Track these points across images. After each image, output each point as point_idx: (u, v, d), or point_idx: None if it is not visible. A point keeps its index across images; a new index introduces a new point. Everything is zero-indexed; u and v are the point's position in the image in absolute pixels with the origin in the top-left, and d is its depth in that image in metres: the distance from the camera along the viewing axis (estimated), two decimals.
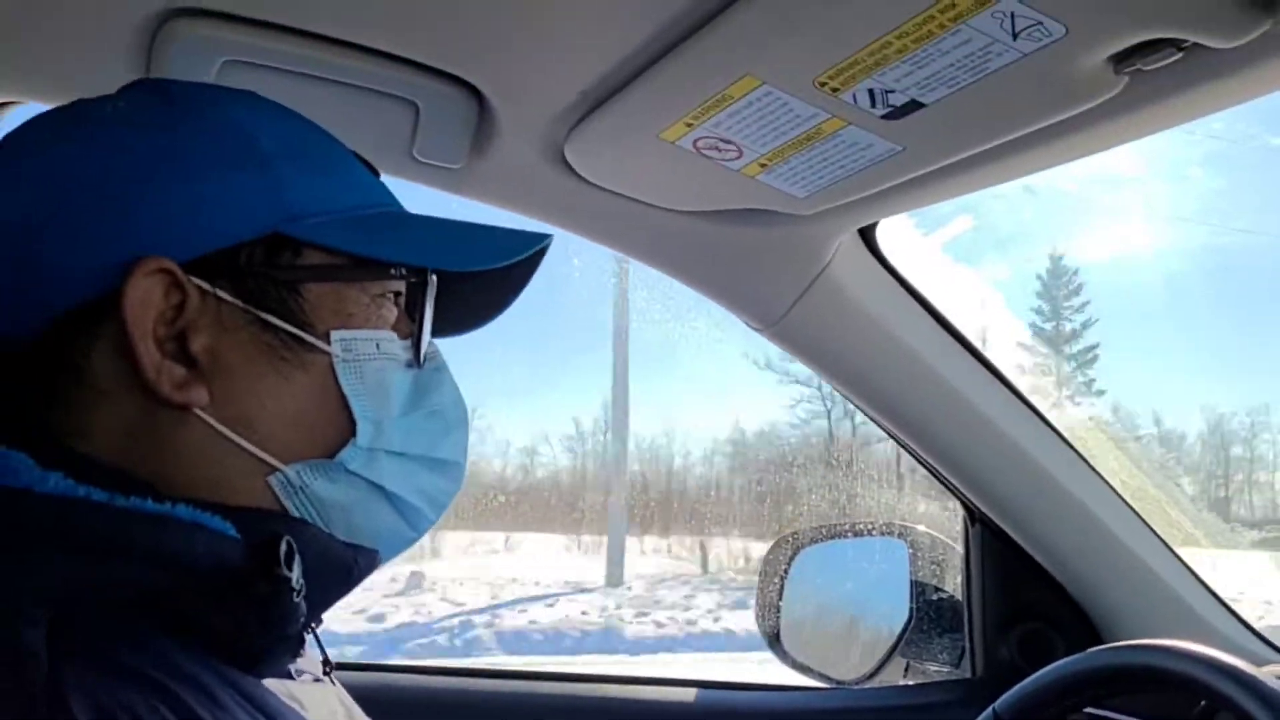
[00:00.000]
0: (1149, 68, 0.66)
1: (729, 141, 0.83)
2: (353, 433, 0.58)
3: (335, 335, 0.58)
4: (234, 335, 0.56)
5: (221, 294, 0.55)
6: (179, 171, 0.55)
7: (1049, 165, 0.83)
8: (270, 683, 0.54)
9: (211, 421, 0.55)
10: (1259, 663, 0.83)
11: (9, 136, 0.58)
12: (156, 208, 0.54)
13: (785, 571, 1.47)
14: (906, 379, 1.19)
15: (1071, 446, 1.24)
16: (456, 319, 0.69)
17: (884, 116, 0.75)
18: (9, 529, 0.46)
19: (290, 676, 0.58)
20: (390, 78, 0.88)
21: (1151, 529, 1.25)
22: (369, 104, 0.89)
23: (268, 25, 0.83)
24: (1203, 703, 1.06)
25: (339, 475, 0.58)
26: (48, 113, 0.59)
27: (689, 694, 1.32)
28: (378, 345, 0.59)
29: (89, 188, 0.54)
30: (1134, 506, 1.25)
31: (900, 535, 1.47)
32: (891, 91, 0.72)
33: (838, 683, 1.46)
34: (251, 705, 0.49)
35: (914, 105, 0.73)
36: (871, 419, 1.28)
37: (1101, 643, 1.09)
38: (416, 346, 0.62)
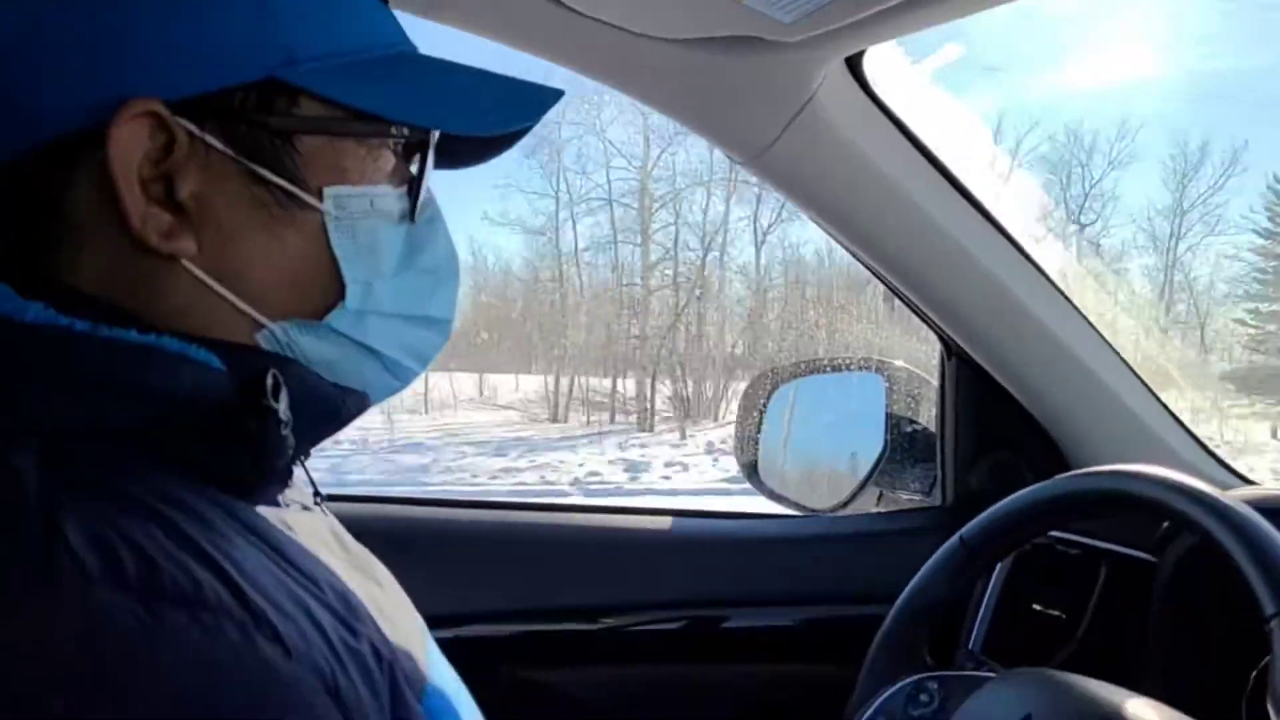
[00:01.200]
0: None
1: None
2: (342, 295, 0.57)
3: (329, 192, 0.56)
4: (223, 184, 0.53)
5: (210, 140, 0.53)
6: (168, 2, 0.52)
7: None
8: (262, 510, 0.54)
9: (198, 273, 0.53)
10: (1223, 489, 0.85)
11: None
12: (144, 40, 0.51)
13: (764, 405, 1.50)
14: (889, 213, 1.18)
15: (1049, 280, 1.25)
16: (450, 156, 0.67)
17: None
18: None
19: (278, 505, 0.58)
20: None
21: (1123, 359, 1.28)
22: None
23: None
24: (1165, 524, 1.10)
25: (326, 334, 0.57)
26: None
27: (665, 522, 1.36)
28: (372, 202, 0.57)
29: (71, 12, 0.50)
30: (1107, 338, 1.27)
31: (878, 369, 1.49)
32: None
33: (813, 511, 1.51)
34: (246, 530, 0.50)
35: None
36: (851, 253, 1.27)
37: (1070, 471, 1.12)
38: (413, 199, 0.60)
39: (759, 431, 1.50)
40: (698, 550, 1.35)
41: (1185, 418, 1.33)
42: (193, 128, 0.52)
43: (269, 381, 0.51)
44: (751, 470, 1.53)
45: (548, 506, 1.35)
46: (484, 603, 1.25)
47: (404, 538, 1.20)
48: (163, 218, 0.52)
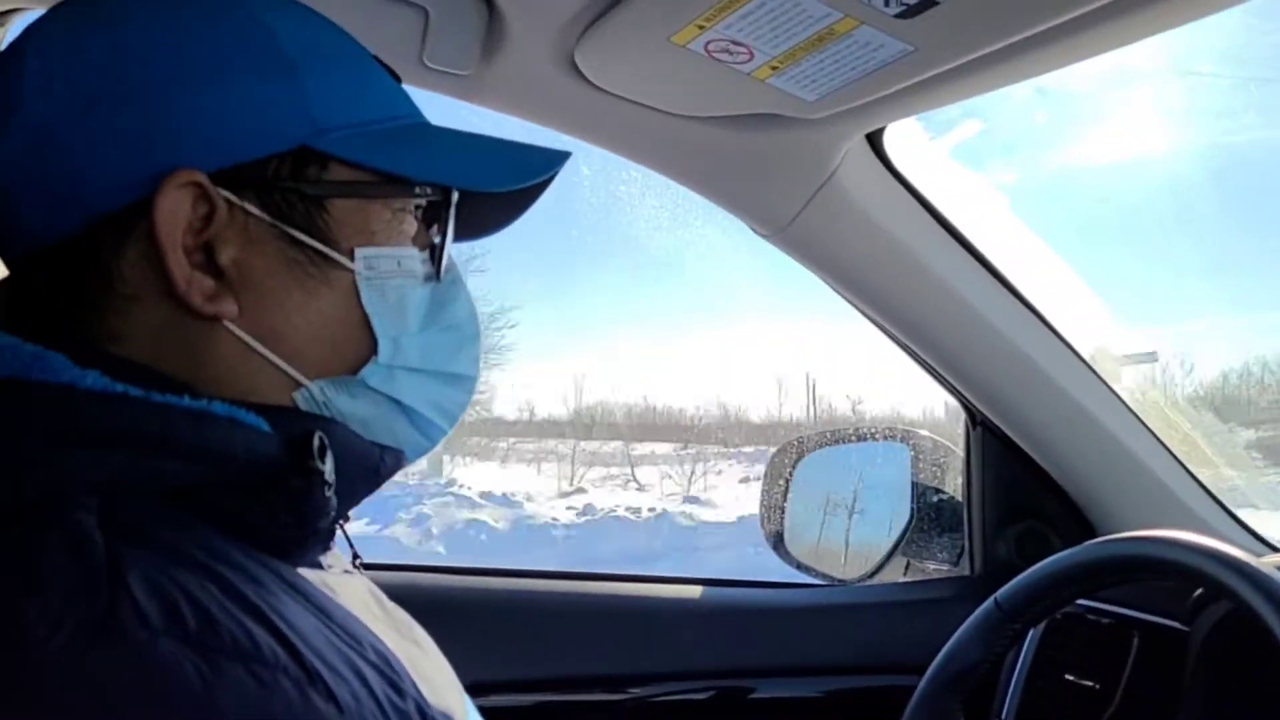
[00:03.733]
0: None
1: (740, 44, 0.83)
2: (374, 350, 0.59)
3: (360, 253, 0.58)
4: (260, 249, 0.56)
5: (249, 207, 0.56)
6: (207, 77, 0.55)
7: (1064, 64, 0.83)
8: (304, 571, 0.55)
9: (240, 334, 0.56)
10: (1253, 556, 0.86)
11: (30, 30, 0.57)
12: (186, 116, 0.54)
13: (790, 474, 1.51)
14: (912, 284, 1.20)
15: (1073, 350, 1.26)
16: (471, 226, 0.70)
17: (897, 15, 0.75)
18: (54, 424, 0.47)
19: (320, 567, 0.59)
20: None
21: (1147, 426, 1.28)
22: (379, 9, 0.89)
23: None
24: (1197, 592, 1.10)
25: (360, 391, 0.59)
26: (69, 4, 0.58)
27: (694, 591, 1.36)
28: (399, 262, 0.60)
29: (120, 90, 0.53)
30: (1131, 406, 1.28)
31: (903, 439, 1.50)
32: None
33: (840, 581, 1.50)
34: (292, 590, 0.51)
35: (927, 3, 0.73)
36: (875, 324, 1.29)
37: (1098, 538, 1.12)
38: (436, 261, 0.62)
39: (785, 501, 1.51)
40: (725, 620, 1.35)
41: (1212, 485, 1.33)
42: (231, 196, 0.55)
43: (315, 443, 0.53)
44: (778, 540, 1.53)
45: (578, 575, 1.35)
46: (513, 671, 1.25)
47: (436, 605, 1.20)
48: (206, 282, 0.54)
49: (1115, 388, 1.27)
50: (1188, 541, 0.88)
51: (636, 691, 1.29)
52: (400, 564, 1.31)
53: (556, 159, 0.65)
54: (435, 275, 0.62)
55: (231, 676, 0.41)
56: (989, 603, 1.00)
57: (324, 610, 0.52)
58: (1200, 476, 1.31)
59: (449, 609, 1.23)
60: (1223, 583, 0.83)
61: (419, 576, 1.29)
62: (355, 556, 0.70)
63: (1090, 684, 1.17)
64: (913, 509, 1.47)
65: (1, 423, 0.47)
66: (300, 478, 0.52)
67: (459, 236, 0.66)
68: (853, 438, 1.54)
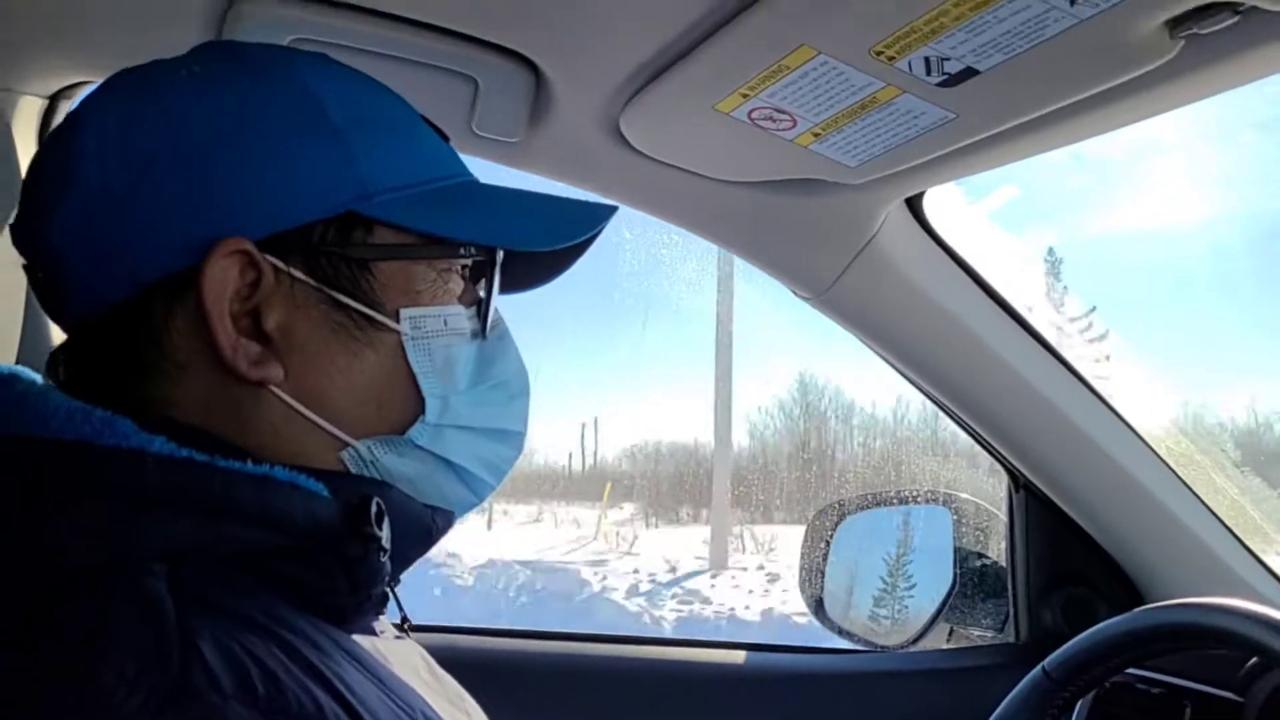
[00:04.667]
0: (1205, 31, 0.67)
1: (783, 111, 0.85)
2: (421, 410, 0.59)
3: (404, 314, 0.59)
4: (306, 313, 0.57)
5: (295, 272, 0.56)
6: (255, 146, 0.56)
7: (1102, 131, 0.84)
8: (358, 638, 0.55)
9: (286, 398, 0.56)
10: None
11: (88, 101, 0.58)
12: (235, 184, 0.55)
13: (830, 538, 1.50)
14: (953, 347, 1.20)
15: (1116, 412, 1.25)
16: (517, 279, 0.70)
17: (939, 84, 0.77)
18: (125, 489, 0.48)
19: (374, 633, 0.60)
20: (449, 53, 0.90)
21: (1195, 493, 1.26)
22: (429, 79, 0.92)
23: (332, 4, 0.86)
24: (1251, 662, 1.07)
25: (407, 450, 0.59)
26: (124, 75, 0.59)
27: (739, 656, 1.35)
28: (445, 321, 0.60)
29: (171, 160, 0.55)
30: (1177, 471, 1.26)
31: (944, 502, 1.49)
32: (947, 59, 0.74)
33: (881, 648, 1.48)
34: (348, 656, 0.51)
35: (969, 72, 0.75)
36: (917, 387, 1.29)
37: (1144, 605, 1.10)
38: (483, 318, 0.63)
39: (825, 565, 1.50)
40: (767, 686, 1.33)
41: (1260, 552, 1.30)
42: (278, 262, 0.56)
43: (374, 509, 0.53)
44: (818, 606, 1.51)
45: (620, 639, 1.34)
46: None
47: (479, 668, 1.19)
48: (252, 348, 0.55)
49: (1160, 452, 1.26)
50: (1242, 609, 0.86)
51: None
52: (446, 625, 1.31)
53: (602, 214, 0.66)
54: (482, 332, 0.63)
55: None
56: (1037, 671, 0.98)
57: (378, 677, 0.52)
58: (1249, 543, 1.29)
59: (492, 672, 1.23)
60: (1278, 652, 0.81)
61: (462, 639, 1.29)
62: (404, 619, 0.70)
63: None
64: (955, 574, 1.45)
65: (76, 487, 0.47)
66: (358, 544, 0.52)
67: (505, 289, 0.66)
68: (894, 501, 1.53)
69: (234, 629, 0.45)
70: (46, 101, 1.02)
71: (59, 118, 1.03)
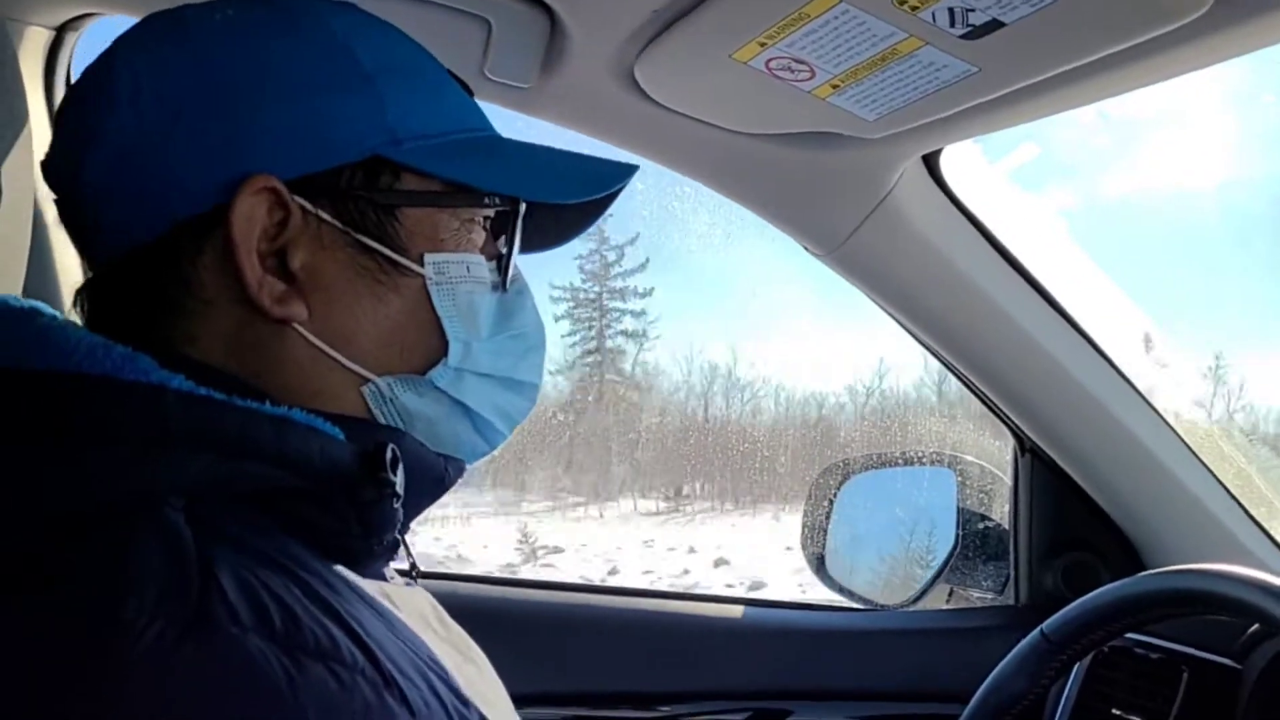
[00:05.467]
0: None
1: (802, 62, 0.83)
2: (444, 352, 0.60)
3: (429, 259, 0.59)
4: (332, 254, 0.57)
5: (322, 214, 0.57)
6: (287, 90, 0.56)
7: (1128, 89, 0.83)
8: (367, 584, 0.56)
9: (309, 336, 0.57)
10: None
11: (121, 43, 0.59)
12: (266, 126, 0.56)
13: (834, 497, 1.50)
14: (964, 308, 1.19)
15: (1126, 378, 1.24)
16: (535, 238, 0.71)
17: (963, 36, 0.75)
18: (146, 424, 0.48)
19: (384, 579, 0.60)
20: None
21: (1201, 460, 1.26)
22: (443, 20, 0.90)
23: None
24: (1253, 628, 1.08)
25: (426, 390, 0.60)
26: (158, 18, 0.60)
27: (737, 610, 1.36)
28: (468, 268, 0.61)
29: (204, 102, 0.55)
30: (1184, 437, 1.26)
31: (950, 464, 1.49)
32: (972, 10, 0.72)
33: (881, 607, 1.49)
34: (359, 598, 0.52)
35: (994, 24, 0.73)
36: (926, 347, 1.28)
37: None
38: (504, 270, 0.63)
39: (828, 523, 1.50)
40: (765, 640, 1.34)
41: (1266, 522, 1.30)
42: (305, 203, 0.56)
43: (389, 454, 0.54)
44: (819, 563, 1.52)
45: (619, 591, 1.35)
46: (549, 684, 1.25)
47: (478, 615, 1.21)
48: (277, 286, 0.56)
49: (1169, 418, 1.25)
50: (1244, 576, 0.86)
51: (672, 709, 1.29)
52: (451, 573, 1.31)
53: (623, 172, 0.66)
54: (502, 285, 0.63)
55: (314, 675, 0.42)
56: (1035, 633, 0.98)
57: (387, 620, 0.52)
58: (1255, 513, 1.28)
59: (497, 620, 1.24)
60: (1278, 619, 0.81)
61: (467, 587, 1.30)
62: (413, 566, 0.70)
63: (1137, 719, 1.15)
64: (957, 535, 1.45)
65: (99, 419, 0.47)
66: (372, 489, 0.53)
67: (523, 249, 0.67)
68: (899, 461, 1.53)
69: (252, 563, 0.45)
70: (53, 33, 1.00)
71: (65, 50, 1.01)
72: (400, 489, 0.54)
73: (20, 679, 0.39)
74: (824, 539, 1.50)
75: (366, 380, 0.58)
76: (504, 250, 0.64)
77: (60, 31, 1.01)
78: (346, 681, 0.43)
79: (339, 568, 0.53)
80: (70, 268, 1.03)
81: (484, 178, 0.61)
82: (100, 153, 0.56)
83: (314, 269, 0.57)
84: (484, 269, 0.62)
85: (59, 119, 0.61)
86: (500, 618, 1.25)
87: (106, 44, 0.60)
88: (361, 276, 0.58)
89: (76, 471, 0.47)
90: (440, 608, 0.66)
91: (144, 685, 0.39)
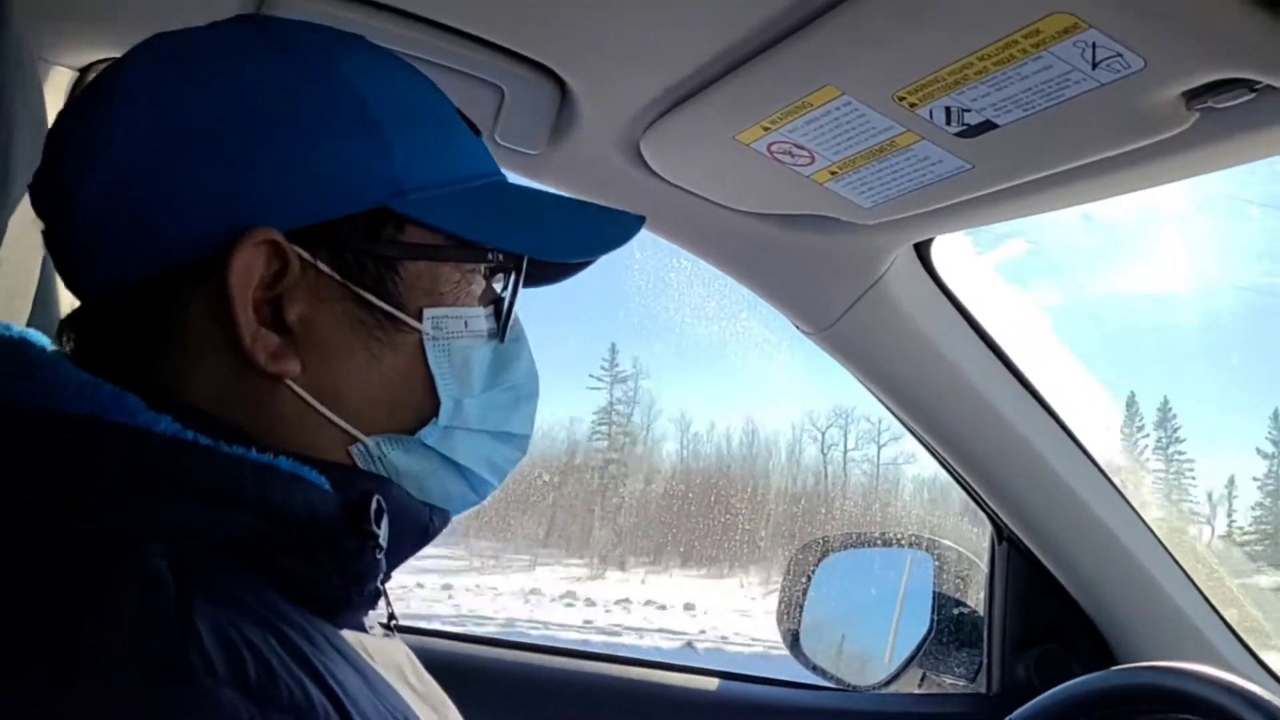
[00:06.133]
0: (1220, 106, 0.68)
1: (803, 148, 0.86)
2: (434, 411, 0.59)
3: (427, 314, 0.58)
4: (328, 307, 0.56)
5: (321, 265, 0.55)
6: (293, 132, 0.55)
7: (1113, 194, 0.86)
8: (345, 634, 0.55)
9: (301, 392, 0.55)
10: None
11: (121, 66, 0.57)
12: (268, 171, 0.54)
13: (811, 574, 1.50)
14: (948, 395, 1.21)
15: (1104, 473, 1.26)
16: (532, 274, 0.67)
17: (957, 134, 0.78)
18: (129, 467, 0.48)
19: (364, 629, 0.59)
20: (478, 60, 0.91)
21: (1175, 560, 1.27)
22: (456, 85, 0.93)
23: (365, 2, 0.87)
24: None
25: (415, 448, 0.59)
26: (159, 41, 0.57)
27: (712, 683, 1.35)
28: (466, 323, 0.60)
29: (201, 143, 0.54)
30: (1160, 536, 1.27)
31: (927, 548, 1.49)
32: (968, 110, 0.75)
33: (853, 688, 1.48)
34: (337, 652, 0.51)
35: (988, 125, 0.76)
36: (910, 430, 1.30)
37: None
38: (502, 322, 0.62)
39: (804, 599, 1.50)
40: (737, 715, 1.33)
41: (1236, 624, 1.31)
42: (305, 255, 0.55)
43: (373, 505, 0.53)
44: (794, 640, 1.51)
45: (594, 656, 1.34)
46: None
47: (458, 673, 1.20)
48: (271, 339, 0.55)
49: (1146, 518, 1.27)
50: (1213, 677, 0.87)
51: None
52: (427, 629, 1.31)
53: (630, 226, 0.65)
54: (500, 335, 0.62)
55: None
56: None
57: (365, 676, 0.52)
58: (1225, 614, 1.29)
59: (470, 678, 1.23)
60: None
61: (442, 643, 1.29)
62: (391, 617, 0.69)
63: None
64: (932, 620, 1.45)
65: (81, 461, 0.47)
66: (354, 540, 0.52)
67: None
68: (878, 542, 1.54)
69: (232, 614, 0.45)
70: (77, 74, 1.02)
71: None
72: (384, 540, 0.54)
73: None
74: (800, 615, 1.50)
75: (355, 440, 0.57)
76: (503, 296, 0.63)
77: (84, 74, 1.03)
78: None
79: (318, 620, 0.52)
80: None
81: (490, 233, 0.60)
82: (94, 182, 0.54)
83: (310, 322, 0.56)
84: (481, 321, 0.61)
85: (53, 137, 0.59)
86: (474, 676, 1.24)
87: None
88: (357, 331, 0.57)
89: (59, 514, 0.46)
90: (416, 661, 0.65)
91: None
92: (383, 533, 0.54)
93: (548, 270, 0.68)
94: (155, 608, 0.43)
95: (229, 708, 0.40)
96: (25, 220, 0.70)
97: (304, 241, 0.55)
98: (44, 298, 0.81)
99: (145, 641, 0.41)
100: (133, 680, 0.40)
